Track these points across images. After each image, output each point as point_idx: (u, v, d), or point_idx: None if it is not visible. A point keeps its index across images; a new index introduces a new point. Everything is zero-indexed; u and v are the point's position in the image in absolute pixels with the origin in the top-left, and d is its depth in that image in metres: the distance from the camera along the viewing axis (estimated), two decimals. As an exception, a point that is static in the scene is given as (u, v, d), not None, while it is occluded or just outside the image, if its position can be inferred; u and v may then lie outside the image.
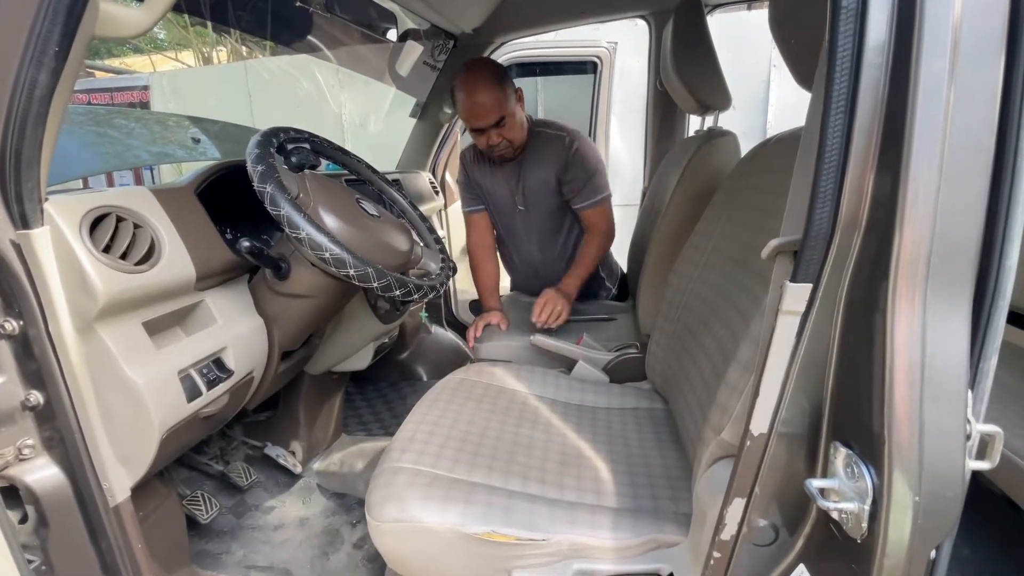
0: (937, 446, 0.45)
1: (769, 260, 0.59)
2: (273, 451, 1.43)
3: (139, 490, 0.88)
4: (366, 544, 1.30)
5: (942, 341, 0.44)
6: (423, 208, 1.83)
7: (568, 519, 0.82)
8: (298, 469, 1.44)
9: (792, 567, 0.59)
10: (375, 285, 0.86)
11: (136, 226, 0.80)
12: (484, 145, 1.56)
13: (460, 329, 2.28)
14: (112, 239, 0.77)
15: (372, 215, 1.02)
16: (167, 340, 0.87)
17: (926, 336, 0.44)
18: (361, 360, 1.47)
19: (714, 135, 1.41)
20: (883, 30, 0.44)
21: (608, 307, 1.94)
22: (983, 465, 0.46)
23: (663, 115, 1.90)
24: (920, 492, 0.45)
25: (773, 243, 0.57)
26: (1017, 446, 0.98)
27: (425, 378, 2.07)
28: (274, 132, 0.96)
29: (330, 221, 0.93)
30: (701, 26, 1.37)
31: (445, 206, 2.19)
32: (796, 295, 0.52)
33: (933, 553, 0.48)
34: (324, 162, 1.24)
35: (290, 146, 1.00)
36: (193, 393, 0.84)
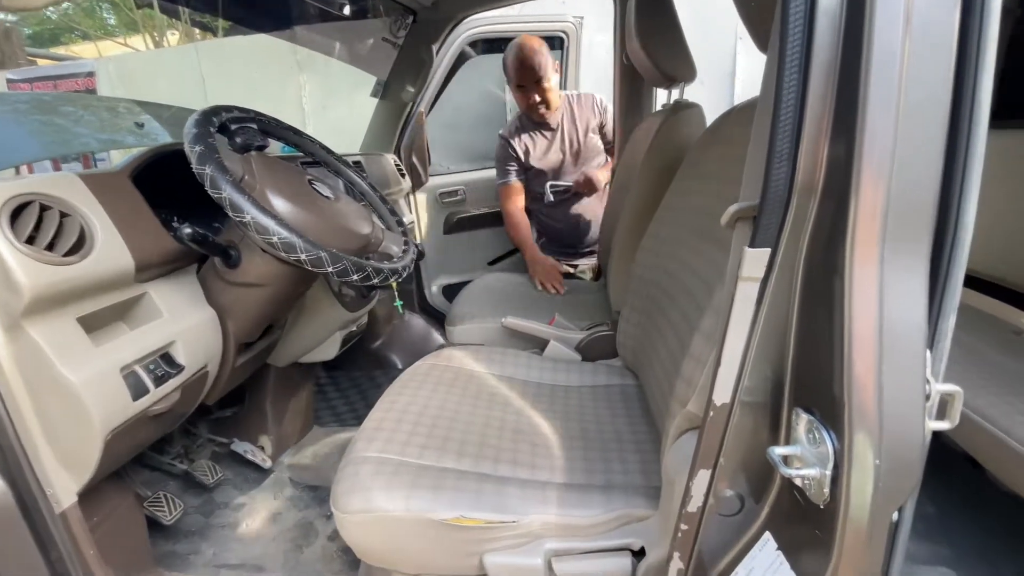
0: (897, 408, 0.44)
1: (729, 227, 0.57)
2: (240, 447, 1.39)
3: (90, 494, 0.83)
4: (340, 535, 1.27)
5: (900, 302, 0.44)
6: (388, 191, 1.78)
7: (539, 499, 0.81)
8: (268, 464, 1.40)
9: (758, 535, 0.59)
10: (330, 270, 0.82)
11: (63, 215, 0.74)
12: (525, 104, 1.87)
13: (435, 315, 2.24)
14: (36, 229, 0.71)
15: (327, 197, 0.98)
16: (108, 336, 0.81)
17: (884, 297, 0.43)
18: (328, 350, 1.43)
19: (679, 108, 1.39)
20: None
21: (581, 285, 1.93)
22: (943, 425, 0.46)
23: (630, 90, 1.87)
24: (881, 455, 0.44)
25: (732, 209, 0.55)
26: (977, 405, 1.01)
27: (400, 366, 2.03)
28: (215, 111, 0.90)
29: (279, 204, 0.88)
30: None
31: (413, 189, 2.14)
32: (755, 260, 0.51)
33: (896, 515, 0.48)
34: (280, 145, 1.18)
35: (234, 126, 0.94)
36: (139, 391, 0.80)
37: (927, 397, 0.45)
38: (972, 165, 0.43)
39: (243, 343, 1.05)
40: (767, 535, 0.58)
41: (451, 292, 2.23)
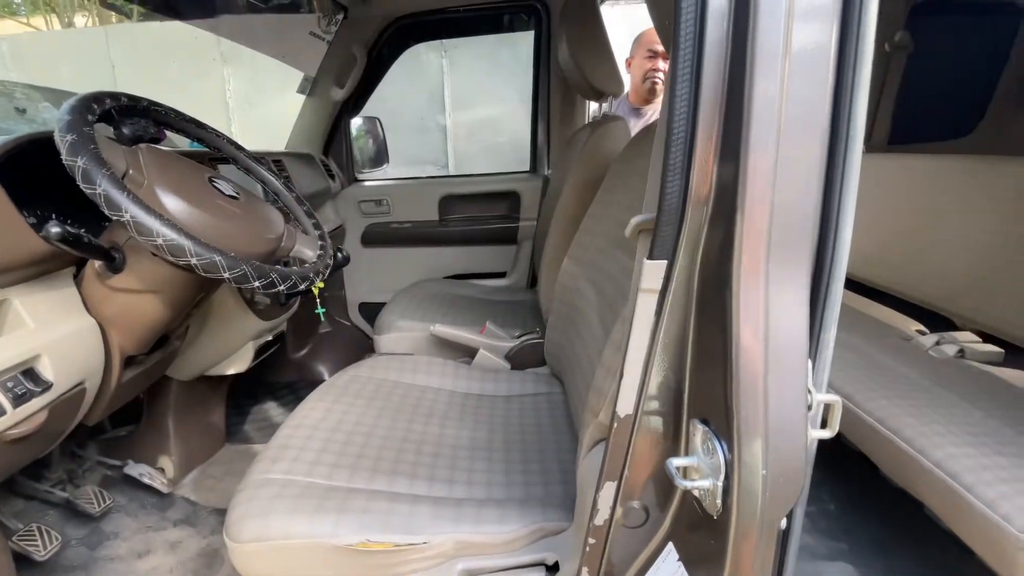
0: (781, 418, 0.45)
1: (633, 239, 0.57)
2: (135, 469, 1.25)
3: None
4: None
5: (784, 315, 0.44)
6: (311, 192, 1.69)
7: (453, 517, 0.78)
8: (167, 488, 1.27)
9: (662, 546, 0.59)
10: (226, 276, 0.75)
11: None
12: (648, 70, 1.99)
13: (370, 322, 2.15)
14: None
15: (229, 196, 0.90)
16: (-47, 350, 0.70)
17: (769, 311, 0.44)
18: (240, 362, 1.33)
19: (605, 121, 1.42)
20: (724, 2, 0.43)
21: (514, 292, 1.92)
22: (825, 433, 0.47)
23: (563, 100, 1.90)
24: (767, 465, 0.45)
25: (634, 221, 0.55)
26: (870, 408, 1.08)
27: (327, 376, 1.93)
28: (96, 97, 0.81)
29: (171, 202, 0.80)
30: (593, 12, 1.37)
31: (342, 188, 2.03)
32: (653, 272, 0.51)
33: (784, 522, 0.49)
34: (190, 141, 1.08)
35: (122, 116, 0.85)
36: None
37: (809, 407, 0.46)
38: (848, 185, 0.45)
39: (131, 356, 0.95)
40: (670, 546, 0.58)
41: (368, 311, 2.11)
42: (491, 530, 0.77)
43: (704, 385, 0.51)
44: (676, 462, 0.51)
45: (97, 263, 0.84)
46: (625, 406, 0.56)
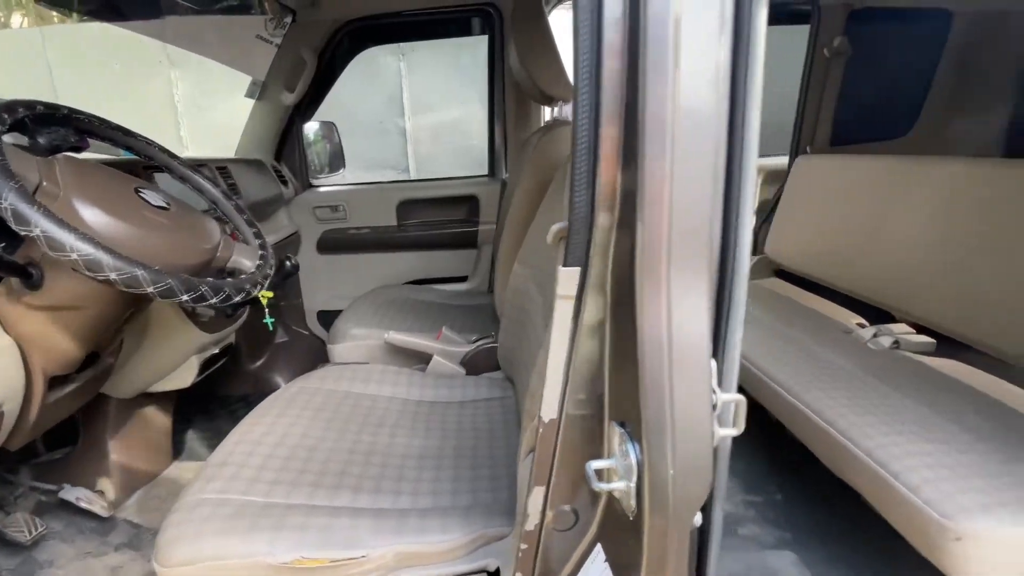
0: (686, 418, 0.46)
1: (554, 245, 0.58)
2: (71, 493, 1.20)
3: None
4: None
5: (685, 318, 0.46)
6: (261, 199, 1.65)
7: (394, 529, 0.77)
8: (106, 512, 1.22)
9: (591, 548, 0.59)
10: (150, 290, 0.73)
11: None
12: None
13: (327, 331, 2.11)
14: None
15: (158, 207, 0.87)
16: None
17: (671, 314, 0.45)
18: (183, 377, 1.28)
19: (555, 125, 1.43)
20: (618, 8, 0.44)
21: (474, 296, 1.92)
22: (731, 432, 0.48)
23: (518, 103, 1.91)
24: (674, 464, 0.46)
25: (554, 228, 0.56)
26: (808, 399, 1.12)
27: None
28: (7, 106, 0.77)
29: (90, 215, 0.77)
30: (539, 16, 1.38)
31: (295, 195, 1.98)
32: (568, 279, 0.52)
33: (700, 519, 0.50)
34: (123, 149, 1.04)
35: (38, 125, 0.81)
36: None
37: (714, 406, 0.47)
38: (744, 193, 0.46)
39: (58, 376, 0.91)
40: (598, 547, 0.59)
41: (328, 320, 2.08)
42: (433, 539, 0.77)
43: (621, 389, 0.52)
44: (595, 465, 0.52)
45: (13, 280, 0.80)
46: (549, 411, 0.56)
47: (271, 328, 1.37)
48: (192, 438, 1.62)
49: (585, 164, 0.47)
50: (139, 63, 2.56)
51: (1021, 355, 1.10)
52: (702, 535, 0.52)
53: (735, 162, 0.46)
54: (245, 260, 0.98)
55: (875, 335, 1.43)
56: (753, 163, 0.47)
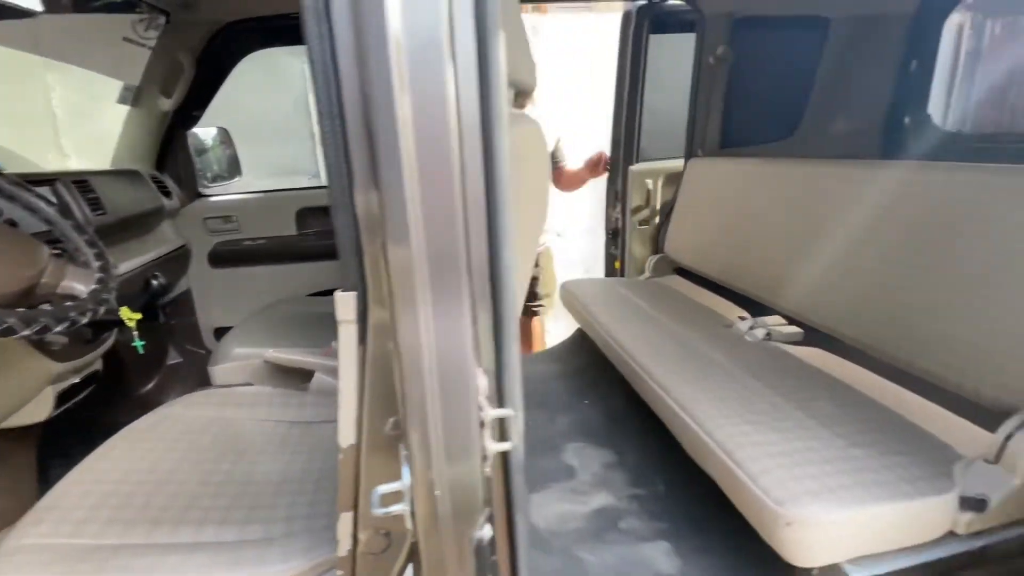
0: (453, 438, 0.47)
1: None
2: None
3: None
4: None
5: (443, 338, 0.46)
6: (136, 212, 1.55)
7: (231, 562, 0.74)
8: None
9: (403, 568, 0.59)
10: None
11: None
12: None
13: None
14: None
15: (-37, 232, 0.80)
16: None
17: (429, 336, 0.46)
18: (38, 411, 1.18)
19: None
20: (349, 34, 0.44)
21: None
22: (505, 446, 0.50)
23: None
24: (440, 484, 0.46)
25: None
26: (678, 395, 1.17)
27: None
28: None
29: None
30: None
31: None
32: (345, 304, 0.51)
33: (488, 530, 0.51)
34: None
35: None
36: None
37: (482, 423, 0.48)
38: (501, 212, 0.47)
39: None
40: (410, 568, 0.59)
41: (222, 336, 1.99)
42: (274, 569, 0.74)
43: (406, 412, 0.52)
44: (382, 489, 0.52)
45: None
46: (347, 436, 0.56)
47: (140, 351, 1.29)
48: (65, 472, 1.50)
49: (340, 191, 0.46)
50: (8, 65, 2.32)
51: (858, 339, 1.20)
52: (484, 548, 0.52)
53: (492, 185, 0.47)
54: (78, 284, 0.92)
55: (751, 327, 1.52)
56: (506, 185, 0.47)
